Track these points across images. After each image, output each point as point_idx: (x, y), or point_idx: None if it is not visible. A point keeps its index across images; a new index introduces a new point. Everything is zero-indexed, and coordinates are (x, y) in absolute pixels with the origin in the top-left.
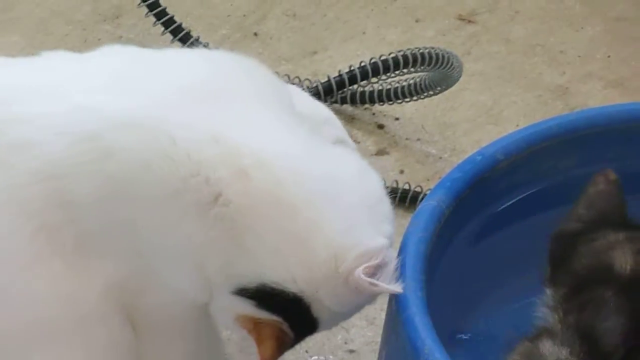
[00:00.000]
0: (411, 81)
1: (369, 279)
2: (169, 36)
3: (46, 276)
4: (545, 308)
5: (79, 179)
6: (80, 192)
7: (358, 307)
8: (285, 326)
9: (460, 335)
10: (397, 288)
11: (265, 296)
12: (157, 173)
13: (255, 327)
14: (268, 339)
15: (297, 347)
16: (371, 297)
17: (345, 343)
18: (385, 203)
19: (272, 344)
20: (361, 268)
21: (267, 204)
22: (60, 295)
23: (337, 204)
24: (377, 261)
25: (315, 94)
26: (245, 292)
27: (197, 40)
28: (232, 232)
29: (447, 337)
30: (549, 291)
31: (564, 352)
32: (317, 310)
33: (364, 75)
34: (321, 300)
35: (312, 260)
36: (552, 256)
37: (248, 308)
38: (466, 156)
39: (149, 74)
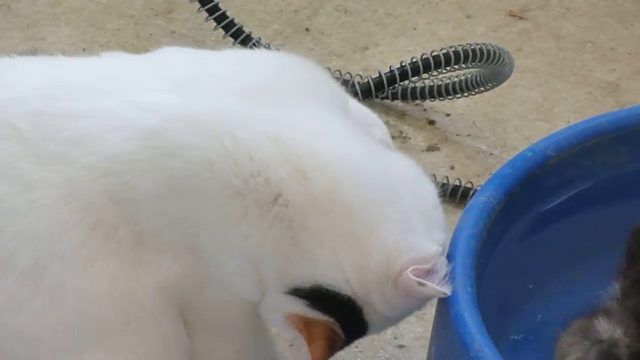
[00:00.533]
0: (462, 77)
1: (417, 279)
2: (221, 32)
3: (101, 274)
4: (611, 300)
5: (138, 176)
6: (139, 189)
7: (408, 312)
8: (337, 327)
9: (510, 333)
10: (445, 290)
11: (318, 297)
12: (219, 172)
13: (306, 326)
14: (319, 339)
15: None
16: (420, 302)
17: (395, 338)
18: (440, 210)
19: (323, 344)
20: (410, 269)
21: (325, 205)
22: (114, 294)
23: (393, 208)
24: (427, 266)
25: (366, 89)
26: (298, 292)
27: (249, 35)
28: (290, 232)
29: (495, 332)
30: (617, 284)
31: (619, 331)
32: (368, 314)
33: (415, 71)
34: (372, 303)
35: (366, 263)
36: (629, 250)
37: (300, 307)
38: (517, 152)
39: (208, 74)
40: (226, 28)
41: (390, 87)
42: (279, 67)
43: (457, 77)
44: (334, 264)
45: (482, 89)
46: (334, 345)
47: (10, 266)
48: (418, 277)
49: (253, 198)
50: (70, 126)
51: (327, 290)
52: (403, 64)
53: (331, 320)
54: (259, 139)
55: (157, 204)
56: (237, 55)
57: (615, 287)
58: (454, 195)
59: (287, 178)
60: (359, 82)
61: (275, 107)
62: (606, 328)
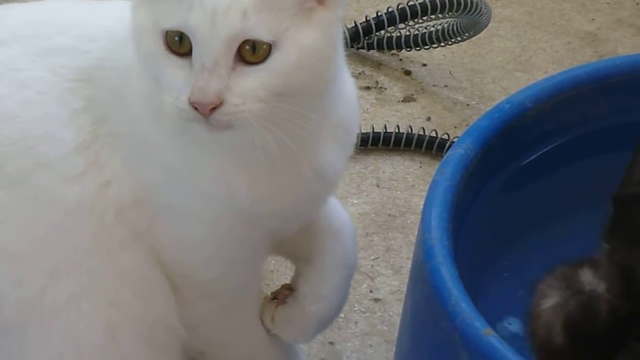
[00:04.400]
0: (439, 27)
1: None
2: None
3: (72, 177)
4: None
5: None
6: (97, 62)
7: None
8: None
9: (487, 287)
10: None
11: None
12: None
13: None
14: None
15: None
16: None
17: (371, 292)
18: None
19: None
20: None
21: None
22: (81, 208)
23: None
24: None
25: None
26: None
27: None
28: None
29: (472, 287)
30: (605, 246)
31: (602, 286)
32: None
33: (392, 21)
34: None
35: None
36: (614, 218)
37: None
38: (494, 103)
39: None
40: None
41: (366, 37)
42: None
43: (433, 26)
44: None
45: (459, 39)
46: None
47: (1, 175)
48: None
49: None
50: (55, 20)
51: None
52: (379, 13)
53: None
54: None
55: (107, 77)
56: None
57: (604, 249)
58: (430, 147)
59: None
60: None
61: None
62: (590, 280)
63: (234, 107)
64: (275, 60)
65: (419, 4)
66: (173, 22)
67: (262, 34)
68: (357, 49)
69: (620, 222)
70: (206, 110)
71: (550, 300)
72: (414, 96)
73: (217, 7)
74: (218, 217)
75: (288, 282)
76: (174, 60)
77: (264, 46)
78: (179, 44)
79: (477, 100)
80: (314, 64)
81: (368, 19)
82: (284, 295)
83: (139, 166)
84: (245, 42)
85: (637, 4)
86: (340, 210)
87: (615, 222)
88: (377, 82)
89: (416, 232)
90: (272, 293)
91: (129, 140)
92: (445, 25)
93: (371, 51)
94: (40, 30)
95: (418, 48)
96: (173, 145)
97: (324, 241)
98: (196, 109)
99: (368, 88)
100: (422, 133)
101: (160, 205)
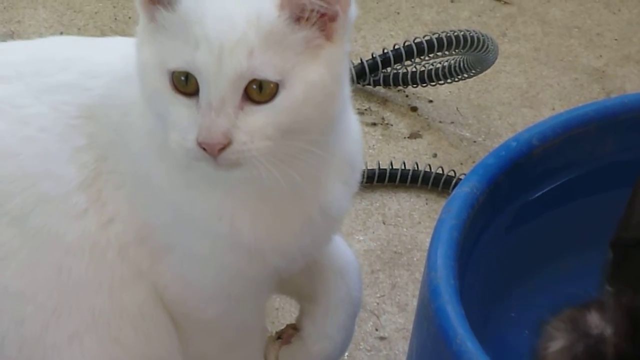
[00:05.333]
0: (445, 63)
1: None
2: None
3: (74, 212)
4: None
5: (101, 87)
6: (99, 99)
7: None
8: None
9: (494, 326)
10: None
11: None
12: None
13: None
14: None
15: None
16: None
17: (376, 330)
18: None
19: None
20: None
21: None
22: (84, 247)
23: None
24: None
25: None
26: None
27: None
28: None
29: (478, 325)
30: (609, 289)
31: (609, 330)
32: None
33: (398, 58)
34: None
35: None
36: (615, 262)
37: None
38: (501, 140)
39: None
40: None
41: (372, 74)
42: None
43: (440, 63)
44: None
45: (465, 75)
46: None
47: (2, 212)
48: None
49: None
50: (59, 56)
51: None
52: (385, 51)
53: None
54: None
55: (110, 114)
56: None
57: (607, 291)
58: (437, 184)
59: None
60: None
61: None
62: (597, 323)
63: (242, 146)
64: (283, 98)
65: (426, 41)
66: (179, 62)
67: (268, 74)
68: (364, 85)
69: (621, 266)
70: (214, 151)
71: (558, 343)
72: (420, 132)
73: (223, 45)
74: (221, 255)
75: (293, 319)
76: (180, 99)
77: (271, 85)
78: (185, 84)
79: (483, 136)
80: (321, 100)
81: (374, 55)
82: (288, 334)
83: (142, 204)
84: (252, 81)
85: None
86: (344, 249)
87: (616, 266)
88: (383, 119)
89: (422, 269)
90: (276, 332)
91: (131, 178)
92: (452, 62)
93: (377, 87)
94: (43, 67)
95: (424, 84)
96: (176, 183)
97: (328, 280)
98: (204, 149)
99: (374, 124)
100: (429, 170)
101: (162, 243)
